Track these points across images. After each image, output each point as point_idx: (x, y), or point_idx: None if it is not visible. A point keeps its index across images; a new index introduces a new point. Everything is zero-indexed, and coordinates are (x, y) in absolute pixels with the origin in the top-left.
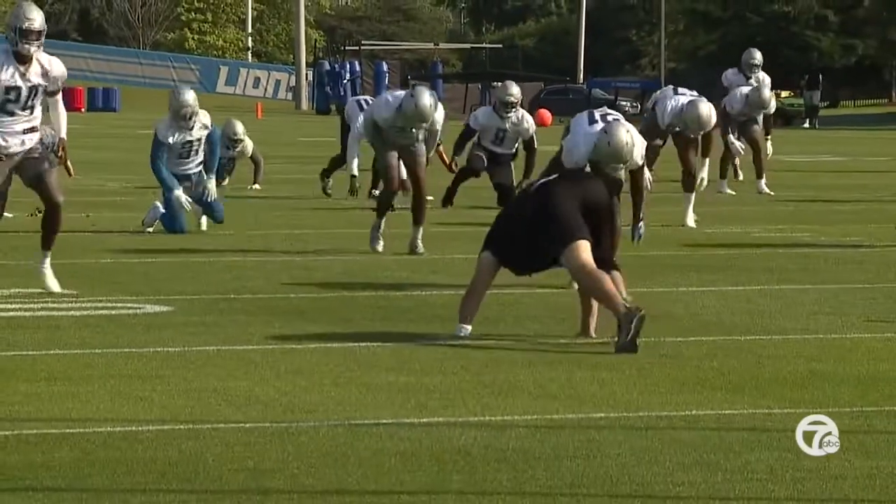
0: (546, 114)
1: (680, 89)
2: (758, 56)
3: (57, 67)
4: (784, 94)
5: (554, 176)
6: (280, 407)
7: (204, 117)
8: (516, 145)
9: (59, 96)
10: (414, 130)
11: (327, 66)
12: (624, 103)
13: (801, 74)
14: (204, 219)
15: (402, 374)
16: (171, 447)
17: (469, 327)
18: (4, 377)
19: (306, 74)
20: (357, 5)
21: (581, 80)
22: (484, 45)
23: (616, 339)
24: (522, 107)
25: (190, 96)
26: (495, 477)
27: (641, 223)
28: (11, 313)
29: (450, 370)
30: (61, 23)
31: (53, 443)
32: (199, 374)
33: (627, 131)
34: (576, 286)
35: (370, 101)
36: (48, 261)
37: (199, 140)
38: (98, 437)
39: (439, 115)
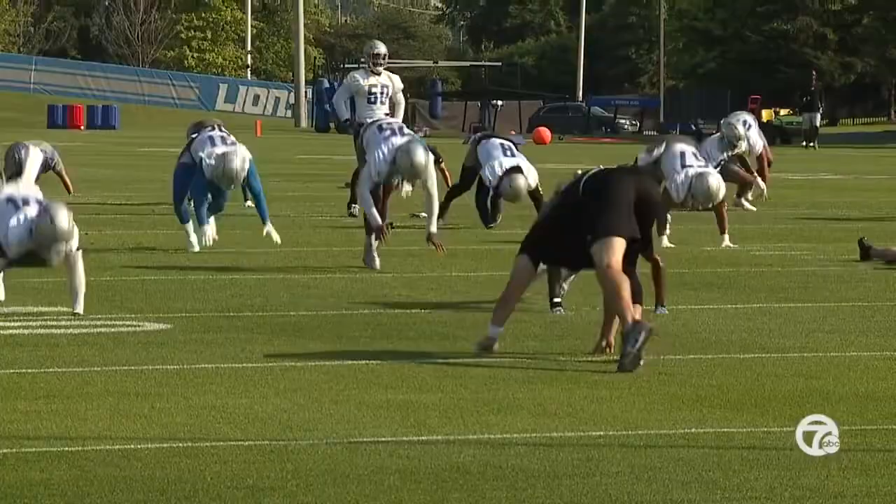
0: (545, 131)
1: (687, 158)
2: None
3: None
4: (783, 112)
5: (613, 166)
6: (279, 425)
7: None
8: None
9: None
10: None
11: (326, 84)
12: (623, 121)
13: (801, 95)
14: (203, 236)
15: (401, 392)
16: (170, 465)
17: (501, 329)
18: (3, 395)
19: (305, 92)
20: (356, 23)
21: (580, 98)
22: (483, 62)
23: (620, 354)
24: (521, 126)
25: (238, 163)
26: (494, 495)
27: (662, 309)
28: (10, 331)
29: (449, 388)
30: (61, 40)
31: (52, 461)
32: (198, 392)
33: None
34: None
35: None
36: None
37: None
38: (97, 455)
39: (431, 168)
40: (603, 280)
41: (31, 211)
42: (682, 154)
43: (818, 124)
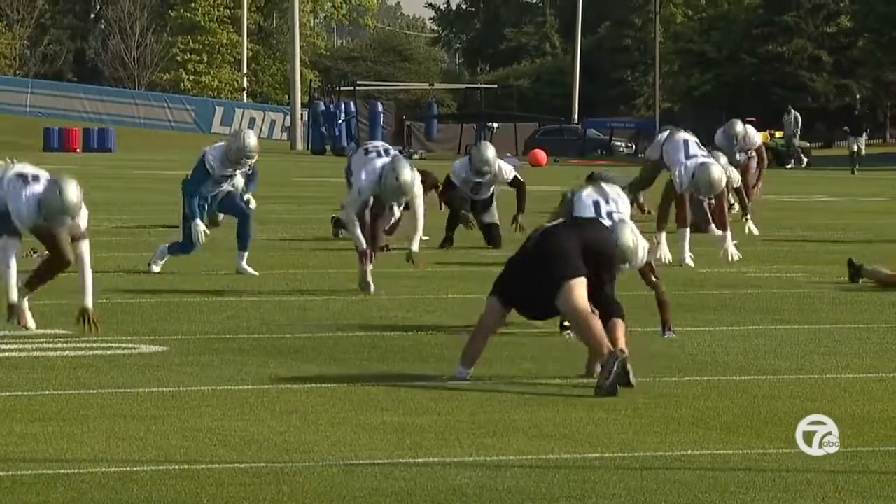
0: (541, 154)
1: (691, 149)
2: (738, 128)
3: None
4: (778, 134)
5: (558, 220)
6: (275, 447)
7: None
8: (493, 188)
9: (86, 247)
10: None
11: (322, 107)
12: (618, 144)
13: (844, 122)
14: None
15: (396, 414)
16: (166, 487)
17: (470, 371)
18: None
19: (301, 115)
20: (352, 46)
21: (576, 120)
22: (479, 85)
23: (597, 380)
24: (517, 149)
25: (254, 141)
26: None
27: (670, 332)
28: (6, 354)
29: (444, 410)
30: (57, 63)
31: (48, 483)
32: (194, 414)
33: (632, 231)
34: (570, 335)
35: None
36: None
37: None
38: (93, 478)
39: (418, 188)
40: (573, 324)
41: (40, 186)
42: (686, 143)
43: (864, 149)
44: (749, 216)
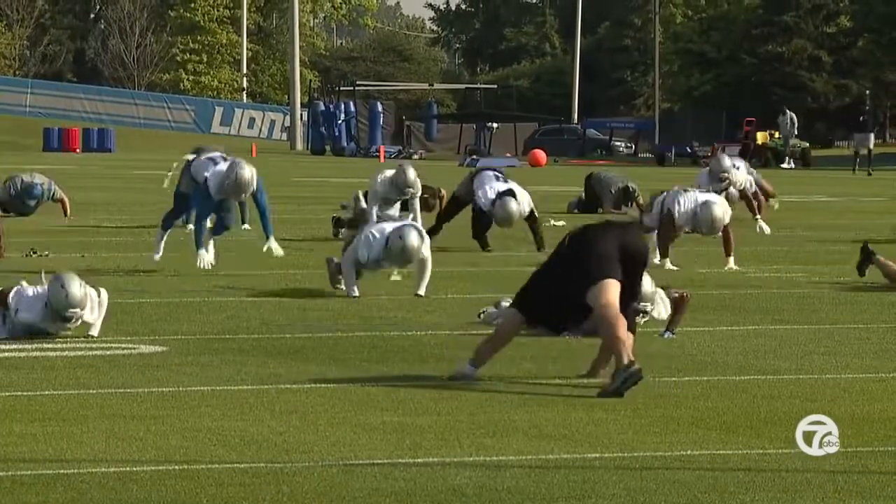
0: (540, 154)
1: (689, 191)
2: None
3: None
4: (776, 134)
5: (595, 223)
6: (274, 447)
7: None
8: None
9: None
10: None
11: (322, 107)
12: (618, 144)
13: (855, 117)
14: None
15: (396, 414)
16: (166, 488)
17: (477, 370)
18: None
19: (301, 115)
20: (351, 46)
21: (576, 120)
22: (478, 85)
23: (606, 382)
24: (517, 149)
25: (248, 175)
26: None
27: (670, 333)
28: (6, 354)
29: (444, 410)
30: (56, 63)
31: (48, 483)
32: (194, 415)
33: (652, 283)
34: (569, 335)
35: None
36: None
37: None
38: (93, 478)
39: (426, 249)
40: (600, 320)
41: (43, 285)
42: (685, 190)
43: (872, 146)
44: (759, 216)
